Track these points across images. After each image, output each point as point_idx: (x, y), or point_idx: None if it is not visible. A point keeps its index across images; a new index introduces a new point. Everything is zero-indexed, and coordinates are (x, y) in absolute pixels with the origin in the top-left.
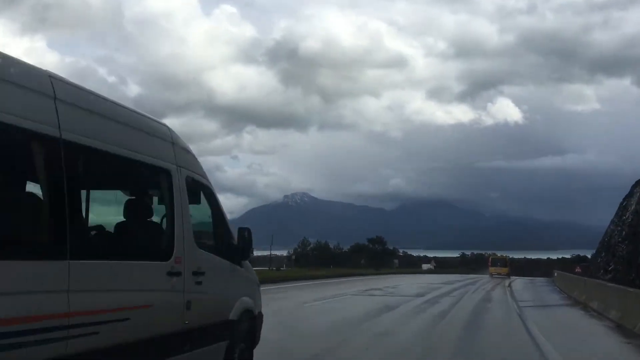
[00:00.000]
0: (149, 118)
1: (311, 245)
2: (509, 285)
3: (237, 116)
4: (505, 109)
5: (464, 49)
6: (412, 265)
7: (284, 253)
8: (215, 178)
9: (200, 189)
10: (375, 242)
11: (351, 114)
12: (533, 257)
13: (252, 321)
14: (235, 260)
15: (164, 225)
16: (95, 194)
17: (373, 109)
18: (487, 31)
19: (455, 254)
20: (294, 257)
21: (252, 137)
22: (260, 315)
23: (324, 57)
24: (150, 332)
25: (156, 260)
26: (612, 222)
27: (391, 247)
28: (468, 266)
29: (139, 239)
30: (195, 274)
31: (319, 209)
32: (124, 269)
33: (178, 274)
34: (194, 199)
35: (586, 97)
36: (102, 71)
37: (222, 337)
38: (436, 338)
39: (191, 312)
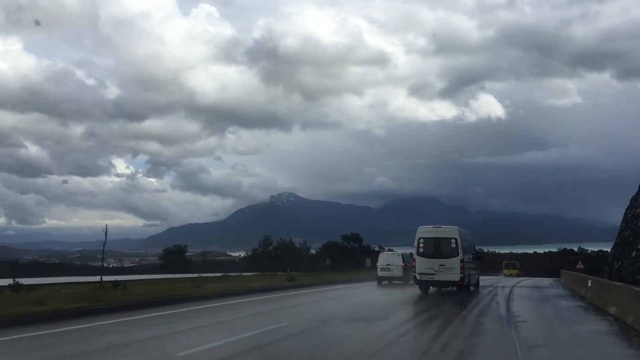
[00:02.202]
0: (466, 233)
1: (273, 245)
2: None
3: (219, 117)
4: (488, 105)
5: (444, 45)
6: None
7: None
8: (200, 180)
9: (472, 241)
10: (350, 239)
11: (334, 112)
12: (519, 252)
13: (478, 272)
14: (478, 258)
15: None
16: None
17: (356, 107)
18: (467, 27)
19: None
20: (238, 260)
21: (235, 137)
22: (479, 272)
23: (305, 55)
24: (472, 272)
25: (474, 257)
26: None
27: (367, 245)
28: None
29: (474, 254)
30: (472, 261)
31: (306, 209)
32: (473, 260)
33: (474, 261)
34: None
35: (567, 91)
36: (80, 73)
37: (477, 274)
38: None
39: (474, 268)
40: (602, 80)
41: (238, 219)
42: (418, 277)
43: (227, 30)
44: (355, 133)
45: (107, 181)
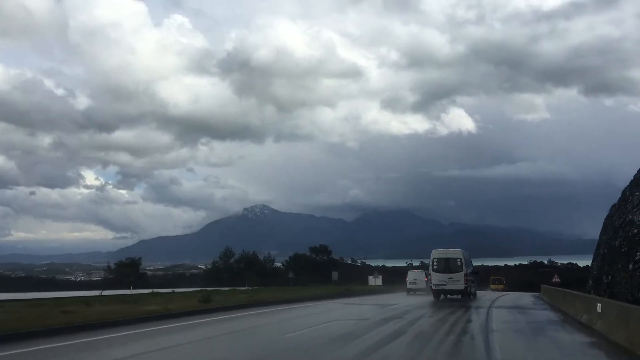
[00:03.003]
0: (466, 254)
1: (235, 257)
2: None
3: (191, 128)
4: (459, 119)
5: (416, 60)
6: (358, 278)
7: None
8: (171, 192)
9: (471, 260)
10: (318, 252)
11: (307, 124)
12: (490, 264)
13: (476, 284)
14: (475, 274)
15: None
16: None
17: (329, 119)
18: (438, 41)
19: (416, 262)
20: (188, 274)
21: (207, 149)
22: (476, 284)
23: (278, 67)
24: (472, 284)
25: (472, 272)
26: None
27: (341, 258)
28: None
29: (472, 270)
30: (472, 275)
31: (280, 221)
32: (472, 274)
33: (472, 275)
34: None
35: (536, 106)
36: (49, 83)
37: (475, 285)
38: None
39: (473, 280)
40: (570, 96)
41: (210, 232)
42: (433, 287)
43: (199, 42)
44: (328, 145)
45: (76, 193)
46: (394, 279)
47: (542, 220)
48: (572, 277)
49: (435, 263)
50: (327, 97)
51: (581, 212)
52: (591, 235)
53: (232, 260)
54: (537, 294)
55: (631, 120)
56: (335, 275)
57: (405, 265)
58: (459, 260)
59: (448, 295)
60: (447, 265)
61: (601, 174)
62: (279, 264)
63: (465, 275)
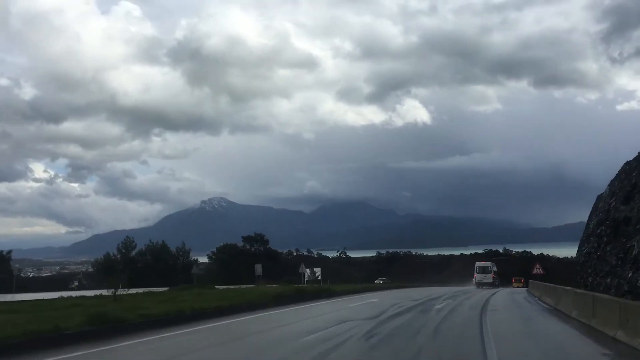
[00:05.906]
0: (491, 263)
1: (137, 250)
2: None
3: (143, 119)
4: (414, 110)
5: (370, 50)
6: (294, 274)
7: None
8: (125, 185)
9: (495, 266)
10: (253, 241)
11: (263, 115)
12: (446, 254)
13: (499, 280)
14: (497, 274)
15: (495, 270)
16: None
17: (285, 110)
18: (392, 32)
19: (372, 253)
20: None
21: (161, 140)
22: (499, 279)
23: (231, 56)
24: (497, 279)
25: (496, 272)
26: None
27: (297, 250)
28: (379, 271)
29: (496, 271)
30: (495, 274)
31: (238, 214)
32: (496, 274)
33: (497, 274)
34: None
35: (488, 98)
36: None
37: (498, 281)
38: None
39: (497, 277)
40: (520, 87)
41: (168, 225)
42: (476, 281)
43: (148, 30)
44: (284, 137)
45: (25, 186)
46: (347, 270)
47: (495, 210)
48: (525, 265)
49: (477, 269)
50: (283, 88)
51: (530, 201)
52: (541, 223)
53: (133, 253)
54: (524, 288)
55: (579, 111)
56: (258, 269)
57: (337, 255)
58: (489, 267)
59: (483, 287)
60: (483, 270)
61: (550, 164)
62: (197, 257)
63: (492, 274)
